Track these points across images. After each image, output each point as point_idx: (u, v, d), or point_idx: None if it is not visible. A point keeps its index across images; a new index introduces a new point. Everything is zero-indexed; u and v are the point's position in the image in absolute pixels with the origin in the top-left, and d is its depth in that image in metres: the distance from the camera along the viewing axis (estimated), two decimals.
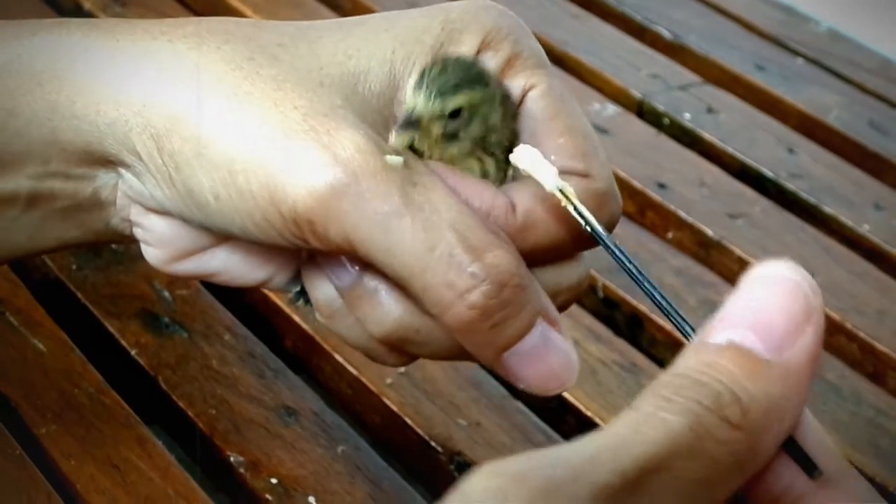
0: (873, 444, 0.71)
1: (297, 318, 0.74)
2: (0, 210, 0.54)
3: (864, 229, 0.88)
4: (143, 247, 0.55)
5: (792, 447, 0.38)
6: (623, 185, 0.87)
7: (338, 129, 0.49)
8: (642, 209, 0.89)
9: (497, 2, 0.54)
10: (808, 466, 0.38)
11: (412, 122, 0.50)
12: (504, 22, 0.53)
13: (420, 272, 0.48)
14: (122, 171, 0.53)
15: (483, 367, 0.73)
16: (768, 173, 0.93)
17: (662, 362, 0.74)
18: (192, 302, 0.73)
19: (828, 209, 0.90)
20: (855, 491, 0.38)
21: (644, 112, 0.99)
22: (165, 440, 0.66)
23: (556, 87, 0.53)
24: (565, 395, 0.71)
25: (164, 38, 0.52)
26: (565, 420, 0.71)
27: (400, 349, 0.53)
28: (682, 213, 0.87)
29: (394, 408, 0.69)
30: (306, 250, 0.52)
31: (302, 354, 0.74)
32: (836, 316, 0.79)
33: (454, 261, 0.48)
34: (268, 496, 0.63)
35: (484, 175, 0.51)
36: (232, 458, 0.64)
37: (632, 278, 0.45)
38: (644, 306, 0.78)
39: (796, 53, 1.09)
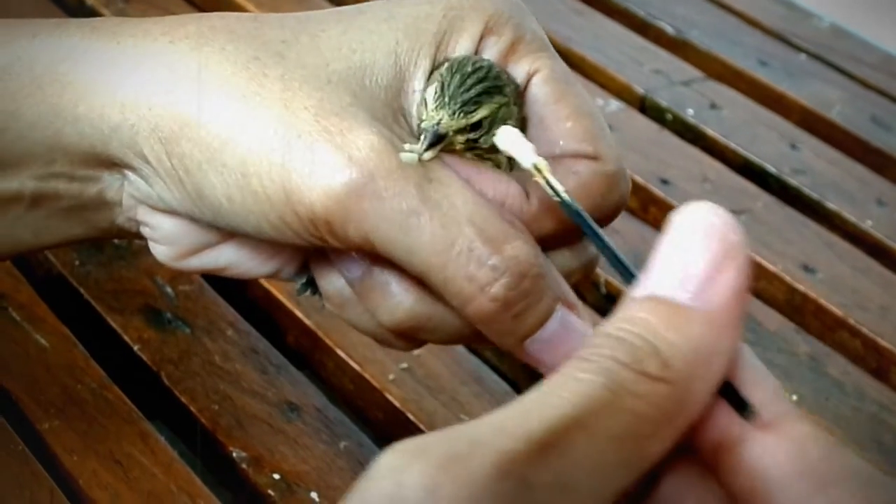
0: (876, 440, 0.70)
1: (299, 314, 0.74)
2: (4, 208, 0.54)
3: (867, 225, 0.88)
4: (150, 244, 0.55)
5: (726, 389, 0.37)
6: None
7: (351, 129, 0.49)
8: (645, 205, 0.89)
9: None
10: (742, 407, 0.37)
11: (439, 138, 0.50)
12: (505, 6, 0.53)
13: (440, 268, 0.48)
14: (128, 173, 0.53)
15: (485, 362, 0.73)
16: (771, 169, 0.93)
17: None
18: (195, 298, 0.73)
19: (831, 205, 0.90)
20: (796, 431, 0.37)
21: (647, 108, 0.99)
22: (168, 436, 0.66)
23: (559, 70, 0.53)
24: None
25: (165, 38, 0.52)
26: None
27: (411, 337, 0.53)
28: None
29: (396, 403, 0.69)
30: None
31: (304, 350, 0.74)
32: (838, 312, 0.79)
33: (474, 255, 0.48)
34: (270, 492, 0.63)
35: (497, 166, 0.51)
36: (234, 454, 0.64)
37: (602, 252, 0.45)
38: None
39: (799, 49, 1.09)
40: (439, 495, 0.33)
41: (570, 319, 0.50)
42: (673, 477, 0.38)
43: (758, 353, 0.76)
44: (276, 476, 0.63)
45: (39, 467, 0.61)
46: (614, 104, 0.98)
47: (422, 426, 0.68)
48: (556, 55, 0.53)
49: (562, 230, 0.51)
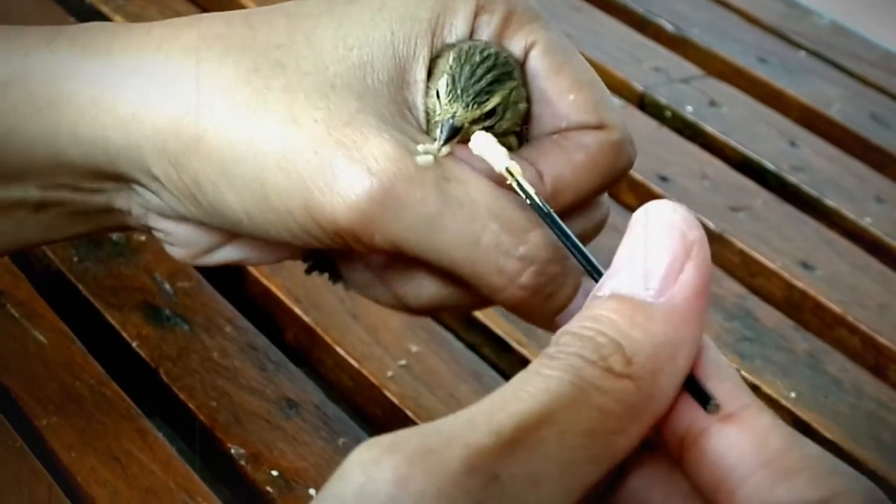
0: (874, 438, 0.70)
1: (298, 311, 0.74)
2: (8, 212, 0.54)
3: (866, 222, 0.88)
4: (165, 245, 0.55)
5: (689, 383, 0.38)
6: (625, 177, 0.87)
7: (365, 139, 0.49)
8: (644, 202, 0.88)
9: None
10: (704, 400, 0.38)
11: (455, 131, 0.50)
12: None
13: (469, 263, 0.49)
14: (137, 187, 0.53)
15: (484, 359, 0.73)
16: (770, 166, 0.93)
17: None
18: (194, 294, 0.73)
19: (829, 202, 0.90)
20: (757, 422, 0.38)
21: (646, 105, 0.99)
22: (166, 432, 0.66)
23: (555, 40, 0.53)
24: None
25: (160, 54, 0.51)
26: None
27: (433, 311, 0.55)
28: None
29: (395, 400, 0.69)
30: None
31: (303, 347, 0.74)
32: (837, 309, 0.79)
33: (501, 248, 0.49)
34: (269, 488, 0.63)
35: (508, 149, 0.51)
36: (233, 451, 0.64)
37: (570, 251, 0.46)
38: None
39: (798, 46, 1.09)
40: (410, 489, 0.34)
41: (593, 287, 0.51)
42: (639, 472, 0.39)
43: (756, 350, 0.77)
44: (275, 473, 0.63)
45: (38, 464, 0.61)
46: (613, 101, 0.98)
47: (420, 423, 0.68)
48: (550, 24, 0.54)
49: (578, 202, 0.52)
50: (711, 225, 0.85)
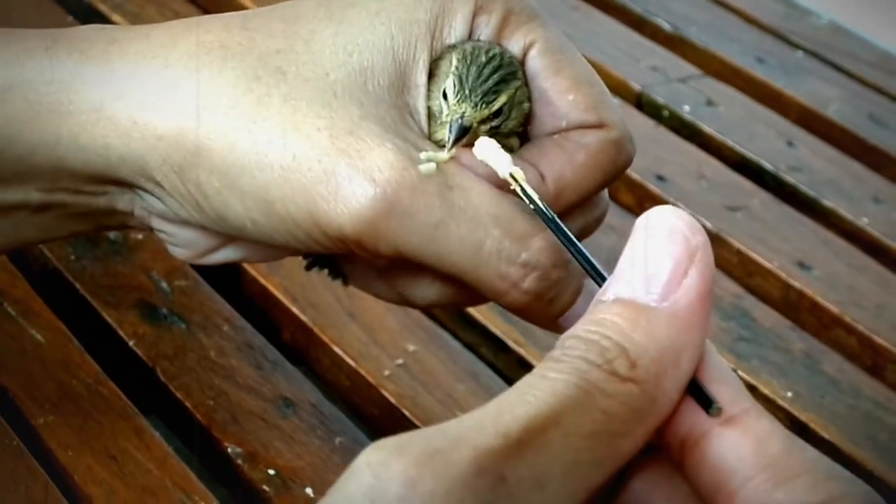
0: (871, 438, 0.70)
1: (295, 310, 0.74)
2: (9, 213, 0.54)
3: (864, 223, 0.88)
4: (168, 245, 0.55)
5: (691, 387, 0.38)
6: (622, 177, 0.87)
7: (368, 148, 0.49)
8: (641, 201, 0.89)
9: None
10: (707, 404, 0.38)
11: (464, 131, 0.51)
12: None
13: (472, 270, 0.50)
14: (140, 192, 0.53)
15: (481, 359, 0.73)
16: (768, 166, 0.93)
17: None
18: (191, 293, 0.73)
19: (827, 202, 0.90)
20: (757, 426, 0.38)
21: (643, 104, 0.99)
22: (163, 431, 0.66)
23: (553, 39, 0.53)
24: None
25: (159, 62, 0.51)
26: None
27: (435, 306, 0.56)
28: (681, 206, 0.87)
29: (392, 400, 0.69)
30: None
31: (300, 346, 0.74)
32: (834, 309, 0.79)
33: (503, 255, 0.50)
34: (265, 487, 0.63)
35: (510, 150, 0.51)
36: (230, 450, 0.64)
37: (574, 256, 0.46)
38: None
39: (796, 46, 1.09)
40: (419, 490, 0.34)
41: (596, 289, 0.51)
42: (641, 476, 0.39)
43: (753, 350, 0.77)
44: (272, 472, 0.63)
45: (34, 462, 0.61)
46: (612, 99, 0.97)
47: (417, 422, 0.68)
48: (548, 22, 0.54)
49: (580, 201, 0.52)
50: (709, 225, 0.85)
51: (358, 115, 0.50)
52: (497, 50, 0.52)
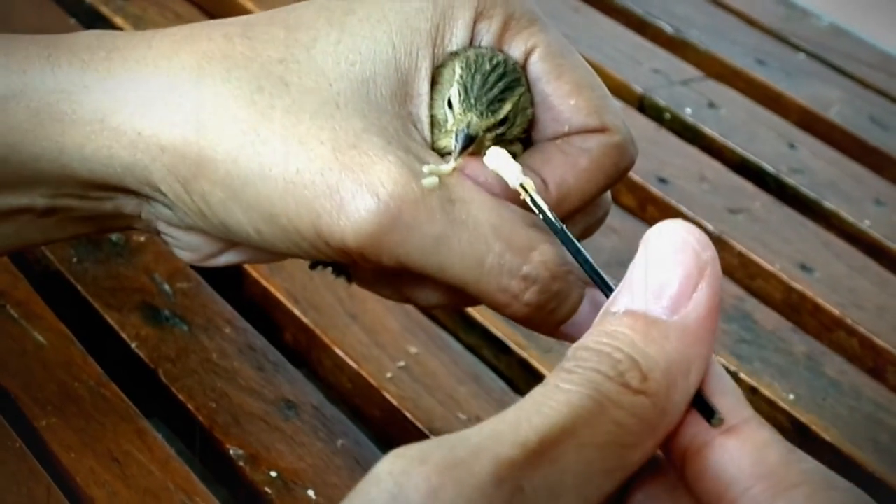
0: (872, 439, 0.71)
1: (297, 312, 0.74)
2: (14, 217, 0.54)
3: (865, 224, 0.88)
4: (174, 248, 0.56)
5: (694, 397, 0.39)
6: (624, 179, 0.87)
7: (371, 163, 0.49)
8: (643, 204, 0.89)
9: None
10: (709, 414, 0.39)
11: (470, 139, 0.51)
12: None
13: (474, 282, 0.50)
14: (145, 200, 0.53)
15: (483, 360, 0.73)
16: (769, 168, 0.93)
17: None
18: (193, 295, 0.73)
19: (828, 204, 0.90)
20: (757, 436, 0.39)
21: (645, 107, 0.99)
22: (165, 433, 0.66)
23: (554, 43, 0.53)
24: None
25: (161, 72, 0.51)
26: None
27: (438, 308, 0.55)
28: (682, 208, 0.87)
29: (393, 402, 0.69)
30: None
31: (302, 348, 0.74)
32: (836, 311, 0.79)
33: (505, 268, 0.50)
34: (267, 489, 0.63)
35: (513, 156, 0.51)
36: (231, 452, 0.64)
37: (581, 266, 0.47)
38: None
39: (797, 48, 1.09)
40: (440, 498, 0.35)
41: (598, 296, 0.51)
42: (643, 488, 0.40)
43: (754, 352, 0.77)
44: (273, 474, 0.63)
45: (37, 464, 0.61)
46: (614, 102, 0.98)
47: (419, 425, 0.68)
48: (549, 26, 0.54)
49: (583, 206, 0.53)
50: (710, 227, 0.85)
51: (361, 127, 0.50)
52: (500, 57, 0.52)
